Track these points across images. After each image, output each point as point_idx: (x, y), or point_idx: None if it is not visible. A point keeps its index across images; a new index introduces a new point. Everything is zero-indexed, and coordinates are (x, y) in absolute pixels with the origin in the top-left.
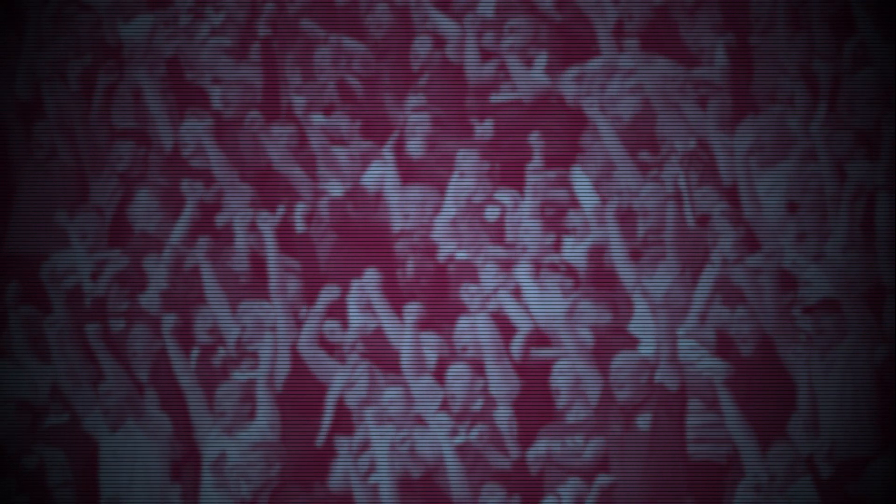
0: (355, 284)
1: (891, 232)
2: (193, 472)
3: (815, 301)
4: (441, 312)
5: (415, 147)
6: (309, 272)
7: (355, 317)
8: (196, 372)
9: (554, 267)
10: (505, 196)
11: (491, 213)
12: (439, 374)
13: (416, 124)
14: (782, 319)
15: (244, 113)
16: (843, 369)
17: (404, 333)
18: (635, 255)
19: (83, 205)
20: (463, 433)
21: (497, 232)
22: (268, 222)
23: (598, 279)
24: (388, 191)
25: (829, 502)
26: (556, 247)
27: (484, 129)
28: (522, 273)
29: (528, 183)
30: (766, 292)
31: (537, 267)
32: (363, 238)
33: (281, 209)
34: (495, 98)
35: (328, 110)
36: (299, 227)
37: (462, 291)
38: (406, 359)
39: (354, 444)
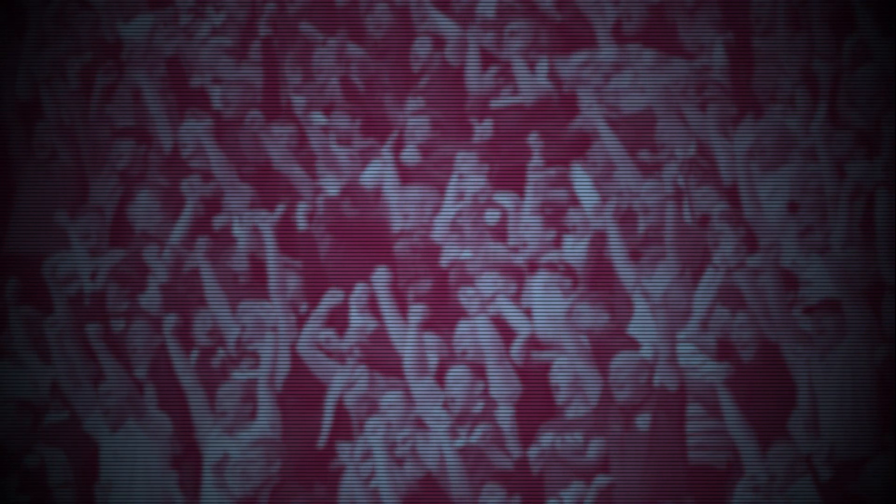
0: (358, 286)
1: (891, 230)
2: (194, 472)
3: (816, 301)
4: (441, 314)
5: (414, 148)
6: (310, 271)
7: (356, 317)
8: (197, 371)
9: (553, 267)
10: (504, 198)
11: (491, 217)
12: (440, 377)
13: (416, 127)
14: (783, 320)
15: (244, 113)
16: (843, 369)
17: (407, 334)
18: (635, 255)
19: (83, 205)
20: (463, 435)
21: (497, 234)
22: (267, 221)
23: (598, 279)
24: (387, 191)
25: (829, 502)
26: (556, 247)
27: (483, 129)
28: (522, 274)
29: (528, 182)
30: (767, 293)
31: (537, 267)
32: (363, 238)
33: (281, 208)
34: (495, 103)
35: (328, 110)
36: (301, 224)
37: (460, 294)
38: (409, 360)
39: (355, 445)
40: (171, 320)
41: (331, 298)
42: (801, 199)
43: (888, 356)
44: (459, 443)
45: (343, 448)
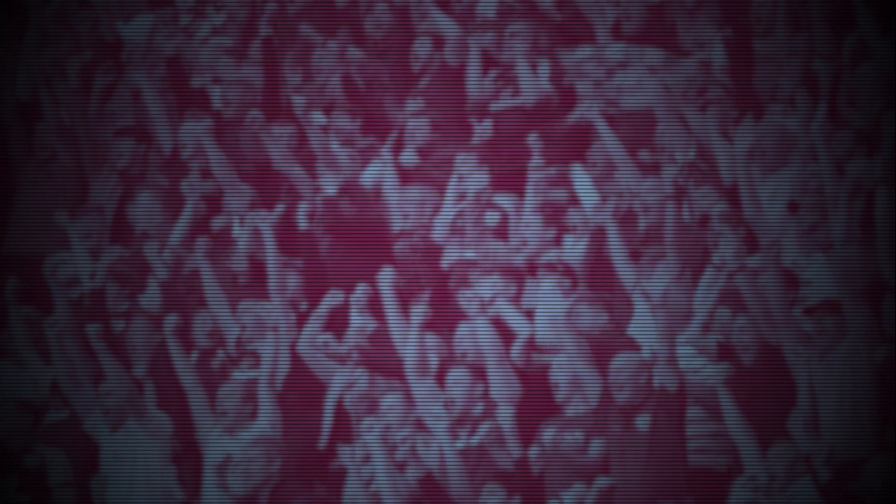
0: (360, 286)
1: (891, 229)
2: (195, 472)
3: (816, 301)
4: (442, 315)
5: (414, 148)
6: (311, 271)
7: (356, 318)
8: (197, 371)
9: (552, 267)
10: (504, 199)
11: (491, 218)
12: (440, 378)
13: (416, 128)
14: (784, 320)
15: (244, 113)
16: (843, 369)
17: (408, 335)
18: (635, 256)
19: (83, 205)
20: (464, 437)
21: (497, 235)
22: (267, 221)
23: (598, 279)
24: (387, 190)
25: (828, 502)
26: (556, 247)
27: (483, 129)
28: (522, 275)
29: (528, 181)
30: (767, 293)
31: (536, 268)
32: (363, 238)
33: (281, 208)
34: (495, 106)
35: (328, 109)
36: (301, 224)
37: (459, 296)
38: (410, 361)
39: (355, 446)
40: (171, 320)
41: (331, 299)
42: (801, 199)
43: (888, 356)
44: (460, 444)
45: (343, 450)
